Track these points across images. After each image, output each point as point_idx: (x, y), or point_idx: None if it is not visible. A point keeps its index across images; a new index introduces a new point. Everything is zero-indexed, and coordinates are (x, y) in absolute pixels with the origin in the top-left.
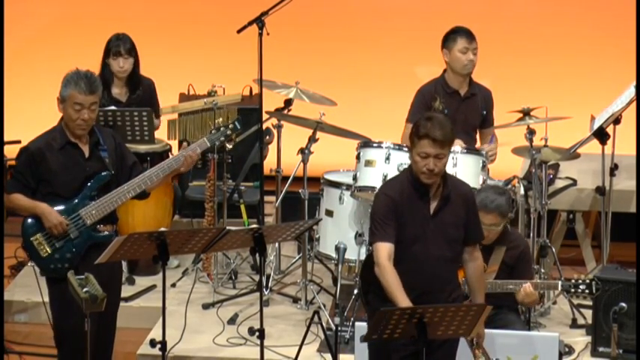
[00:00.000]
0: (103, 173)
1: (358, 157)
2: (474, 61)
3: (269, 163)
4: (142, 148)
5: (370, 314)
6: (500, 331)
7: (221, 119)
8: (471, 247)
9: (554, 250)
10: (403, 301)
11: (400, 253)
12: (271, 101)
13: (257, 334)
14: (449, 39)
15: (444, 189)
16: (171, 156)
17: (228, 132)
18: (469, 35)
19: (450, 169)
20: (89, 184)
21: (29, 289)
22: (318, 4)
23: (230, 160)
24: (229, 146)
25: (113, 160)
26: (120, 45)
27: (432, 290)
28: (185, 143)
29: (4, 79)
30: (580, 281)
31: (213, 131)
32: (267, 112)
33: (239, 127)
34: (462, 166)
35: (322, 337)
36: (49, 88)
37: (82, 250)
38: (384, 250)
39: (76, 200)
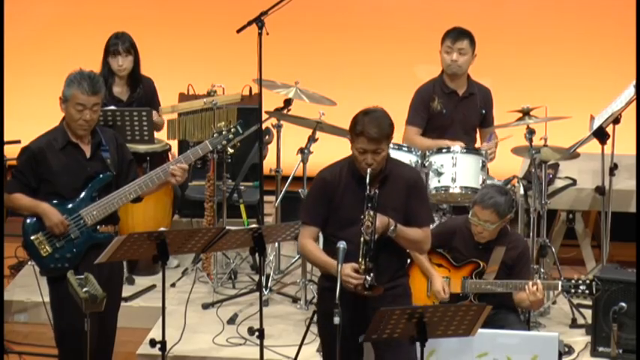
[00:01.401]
0: (105, 174)
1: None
2: (459, 61)
3: (269, 163)
4: (142, 148)
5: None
6: (499, 331)
7: (223, 123)
8: None
9: (553, 249)
10: (332, 264)
11: (336, 235)
12: (271, 101)
13: (257, 333)
14: (448, 38)
15: (380, 174)
16: (170, 156)
17: (230, 136)
18: (456, 35)
19: (449, 169)
20: (90, 184)
21: (29, 288)
22: (318, 4)
23: (230, 160)
24: (231, 150)
25: (115, 161)
26: (118, 44)
27: (381, 270)
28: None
29: (4, 79)
30: (580, 281)
31: (215, 134)
32: (266, 112)
33: (241, 132)
34: (462, 166)
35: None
36: (50, 88)
37: (83, 250)
38: (307, 231)
39: (77, 200)
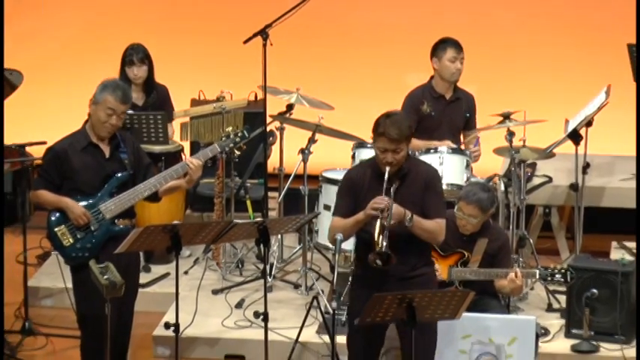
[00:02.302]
0: (122, 173)
1: (353, 157)
2: (461, 69)
3: (272, 162)
4: (157, 148)
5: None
6: (482, 315)
7: (231, 127)
8: None
9: (531, 241)
10: (359, 216)
11: (362, 228)
12: (274, 106)
13: (261, 317)
14: (438, 48)
15: (400, 171)
16: (183, 156)
17: (237, 139)
18: (457, 46)
19: (436, 167)
20: (109, 182)
21: (54, 276)
22: (318, 18)
23: (237, 160)
24: (238, 152)
25: (131, 162)
26: (133, 54)
27: (401, 260)
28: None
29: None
30: (556, 270)
31: (223, 138)
32: (270, 116)
33: (247, 136)
34: (448, 165)
35: (321, 320)
36: (72, 95)
37: (102, 241)
38: (335, 220)
39: (97, 196)
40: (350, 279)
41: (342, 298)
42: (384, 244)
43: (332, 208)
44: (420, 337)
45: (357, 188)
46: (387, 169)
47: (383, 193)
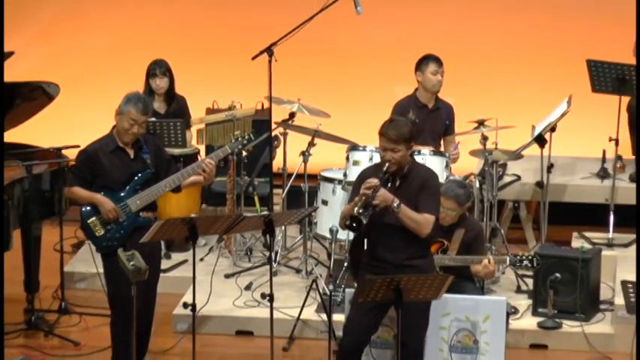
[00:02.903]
0: (145, 171)
1: (347, 158)
2: (441, 81)
3: (277, 163)
4: (176, 151)
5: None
6: (459, 296)
7: (239, 132)
8: None
9: (502, 231)
10: (348, 206)
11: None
12: (279, 114)
13: (267, 298)
14: (422, 63)
15: (400, 171)
16: (199, 158)
17: (245, 142)
18: (438, 61)
19: None
20: (135, 179)
21: (87, 262)
22: (317, 37)
23: (246, 161)
24: (245, 153)
25: (153, 161)
26: (156, 68)
27: (393, 250)
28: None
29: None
30: (524, 257)
31: (233, 140)
32: (275, 123)
33: (253, 139)
34: (430, 165)
35: (319, 300)
36: (101, 104)
37: (128, 232)
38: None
39: (124, 192)
40: (344, 266)
41: (337, 282)
42: (360, 211)
43: (329, 203)
44: (408, 317)
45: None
46: (387, 164)
47: (378, 180)
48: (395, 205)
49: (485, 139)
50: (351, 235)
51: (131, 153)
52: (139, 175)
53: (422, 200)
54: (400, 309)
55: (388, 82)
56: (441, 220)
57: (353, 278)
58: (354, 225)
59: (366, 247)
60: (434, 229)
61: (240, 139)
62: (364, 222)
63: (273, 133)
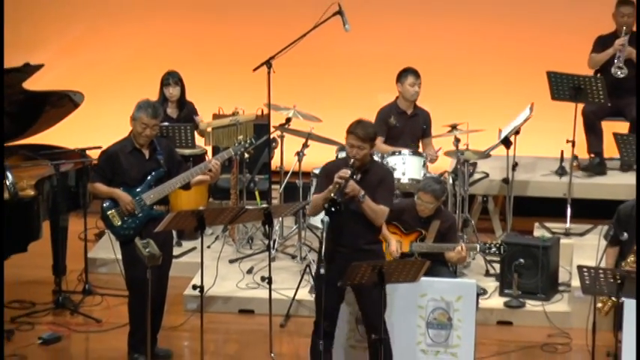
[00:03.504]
0: (158, 170)
1: (337, 158)
2: (419, 92)
3: (275, 162)
4: (186, 151)
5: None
6: (435, 279)
7: (242, 136)
8: None
9: (473, 222)
10: (324, 193)
11: (334, 212)
12: (276, 119)
13: (266, 280)
14: (402, 76)
15: (363, 166)
16: (206, 158)
17: (247, 145)
18: (416, 73)
19: (400, 166)
20: (149, 177)
21: (108, 249)
22: (310, 51)
23: (247, 160)
24: (247, 155)
25: (166, 161)
26: (169, 78)
27: (355, 236)
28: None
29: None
30: (492, 245)
31: (236, 144)
32: (273, 127)
33: (254, 142)
34: (409, 164)
35: (312, 282)
36: (121, 109)
37: (143, 222)
38: (313, 197)
39: (140, 188)
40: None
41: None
42: (336, 197)
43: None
44: (372, 296)
45: (331, 175)
46: (352, 160)
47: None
48: (361, 195)
49: (457, 141)
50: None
51: (146, 154)
52: (153, 173)
53: (380, 194)
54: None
55: (372, 91)
56: (420, 212)
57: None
58: (333, 209)
59: (330, 233)
60: (410, 222)
61: (242, 143)
62: (341, 206)
63: (271, 136)
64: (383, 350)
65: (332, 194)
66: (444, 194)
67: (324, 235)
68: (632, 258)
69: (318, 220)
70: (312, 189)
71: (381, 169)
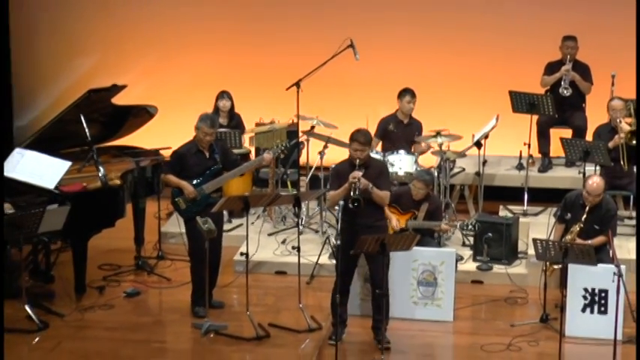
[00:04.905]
0: (215, 167)
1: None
2: (413, 107)
3: (302, 159)
4: (236, 151)
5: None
6: (424, 248)
7: (279, 140)
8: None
9: (453, 205)
10: (344, 188)
11: (345, 197)
12: (303, 126)
13: (296, 249)
14: (401, 94)
15: (364, 163)
16: (251, 157)
17: (282, 148)
18: (412, 93)
19: (397, 162)
20: (208, 172)
21: (175, 225)
22: (330, 74)
23: (282, 157)
24: (282, 156)
25: (221, 160)
26: (224, 95)
27: (365, 216)
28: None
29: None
30: (468, 222)
31: (274, 147)
32: (301, 132)
33: (287, 146)
34: (404, 161)
35: (330, 250)
36: (186, 118)
37: (203, 206)
38: (331, 192)
39: (201, 180)
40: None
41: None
42: (356, 196)
43: None
44: (378, 261)
45: (341, 174)
46: (357, 160)
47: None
48: (370, 187)
49: (441, 143)
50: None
51: (207, 154)
52: (211, 169)
53: (382, 182)
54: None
55: (376, 105)
56: (414, 195)
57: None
58: (356, 205)
59: (345, 215)
60: (405, 204)
61: (279, 146)
62: (362, 202)
63: (299, 139)
64: (385, 302)
65: (353, 194)
66: (432, 182)
67: (340, 215)
68: (576, 230)
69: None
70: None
71: (378, 162)
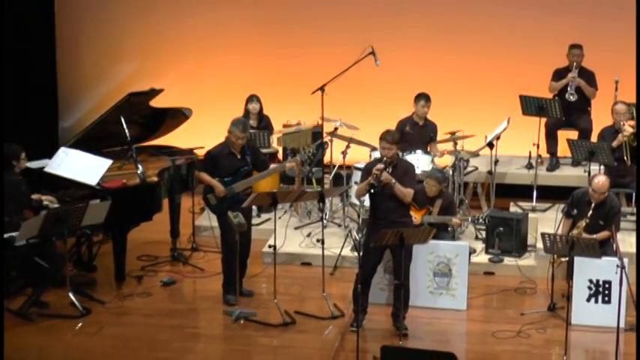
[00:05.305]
0: (246, 167)
1: (370, 156)
2: (427, 111)
3: (326, 158)
4: (264, 151)
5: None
6: (439, 241)
7: (307, 146)
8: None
9: (466, 201)
10: (363, 184)
11: (373, 194)
12: (328, 127)
13: (320, 242)
14: (417, 98)
15: (392, 162)
16: (279, 157)
17: (308, 153)
18: (427, 97)
19: (414, 162)
20: (239, 172)
21: (208, 219)
22: (353, 78)
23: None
24: (308, 161)
25: (252, 160)
26: (253, 98)
27: (390, 212)
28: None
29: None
30: (480, 217)
31: (302, 152)
32: (326, 133)
33: (314, 152)
34: (421, 160)
35: (352, 243)
36: (219, 120)
37: (232, 204)
38: (357, 187)
39: (231, 179)
40: (367, 224)
41: (363, 232)
42: (376, 183)
43: (358, 184)
44: (400, 253)
45: (370, 171)
46: (385, 158)
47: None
48: (392, 182)
49: (455, 143)
50: (366, 204)
51: (238, 155)
52: (242, 169)
53: (406, 180)
54: (403, 251)
55: (394, 107)
56: (428, 192)
57: (367, 228)
58: (372, 190)
59: (372, 211)
60: (421, 201)
61: (306, 151)
62: (377, 189)
63: (324, 140)
64: (403, 292)
65: (372, 180)
66: (445, 180)
67: (360, 210)
68: (582, 225)
69: (356, 199)
70: (353, 177)
71: (405, 162)
